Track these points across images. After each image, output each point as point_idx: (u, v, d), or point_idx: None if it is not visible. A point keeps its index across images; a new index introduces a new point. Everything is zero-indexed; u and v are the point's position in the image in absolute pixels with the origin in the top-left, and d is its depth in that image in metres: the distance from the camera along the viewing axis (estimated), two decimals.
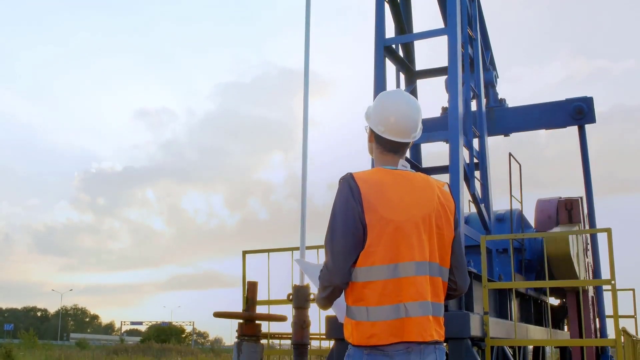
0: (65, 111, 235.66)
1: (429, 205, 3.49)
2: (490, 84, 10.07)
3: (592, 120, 9.46)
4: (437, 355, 3.42)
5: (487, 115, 8.79)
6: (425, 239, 3.41)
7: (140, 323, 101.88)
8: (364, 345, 3.31)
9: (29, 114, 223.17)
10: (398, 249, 3.33)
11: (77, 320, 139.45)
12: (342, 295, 3.54)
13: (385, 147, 3.60)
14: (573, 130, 9.71)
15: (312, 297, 3.81)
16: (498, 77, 10.51)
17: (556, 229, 8.96)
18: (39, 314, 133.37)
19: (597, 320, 9.70)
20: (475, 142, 8.05)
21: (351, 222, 3.33)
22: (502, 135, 9.78)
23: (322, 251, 7.36)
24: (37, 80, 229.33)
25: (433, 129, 8.77)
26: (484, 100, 8.58)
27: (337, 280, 3.34)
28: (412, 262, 3.33)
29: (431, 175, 9.12)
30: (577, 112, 9.40)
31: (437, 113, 10.13)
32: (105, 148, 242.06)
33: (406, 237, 3.35)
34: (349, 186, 3.39)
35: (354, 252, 3.33)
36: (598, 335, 9.38)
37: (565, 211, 9.28)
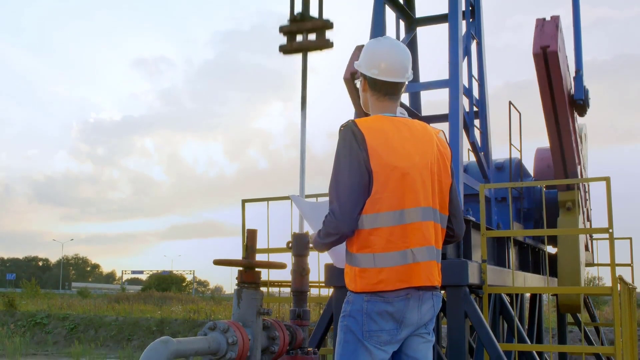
0: (63, 62, 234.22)
1: (430, 153, 3.52)
2: None
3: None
4: (434, 301, 3.49)
5: None
6: (429, 186, 3.43)
7: (141, 272, 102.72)
8: (367, 292, 3.33)
9: (27, 66, 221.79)
10: (404, 196, 3.34)
11: (78, 269, 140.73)
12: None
13: (380, 91, 3.61)
14: None
15: (310, 244, 3.80)
16: None
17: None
18: (40, 263, 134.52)
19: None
20: (475, 90, 7.99)
21: (357, 169, 3.32)
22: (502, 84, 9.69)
23: (321, 199, 7.37)
24: (38, 33, 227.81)
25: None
26: (484, 48, 8.49)
27: (345, 228, 3.32)
28: (418, 207, 3.37)
29: (431, 124, 9.10)
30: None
31: (436, 61, 10.03)
32: (103, 98, 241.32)
33: (411, 184, 3.37)
34: (352, 133, 3.38)
35: (362, 199, 3.33)
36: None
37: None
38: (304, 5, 4.91)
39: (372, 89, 3.63)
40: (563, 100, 8.02)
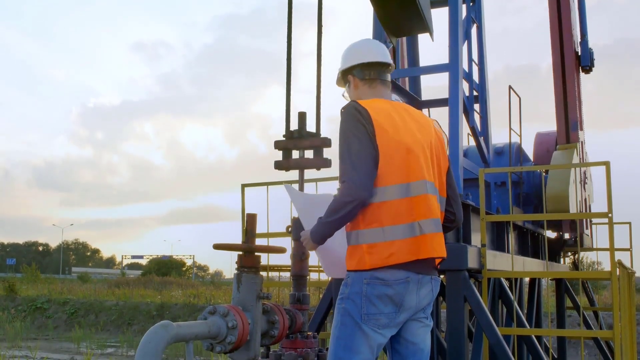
0: (62, 46, 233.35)
1: (429, 133, 3.62)
2: None
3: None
4: (433, 285, 3.53)
5: None
6: (429, 163, 3.51)
7: (141, 257, 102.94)
8: (377, 268, 3.33)
9: (27, 50, 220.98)
10: (409, 169, 3.40)
11: (78, 254, 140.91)
12: (336, 237, 3.56)
13: (371, 77, 3.72)
14: None
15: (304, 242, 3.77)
16: None
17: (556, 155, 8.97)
18: (40, 248, 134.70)
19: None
20: (475, 75, 7.97)
21: (367, 141, 3.37)
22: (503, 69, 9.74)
23: (321, 184, 7.37)
24: (38, 17, 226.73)
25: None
26: (485, 32, 8.45)
27: (364, 193, 3.30)
28: (423, 180, 3.42)
29: (431, 109, 9.08)
30: None
31: (436, 45, 9.99)
32: (102, 82, 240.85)
33: (416, 158, 3.43)
34: (356, 110, 3.43)
35: (375, 169, 3.36)
36: None
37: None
38: (300, 122, 4.79)
39: (362, 80, 3.73)
40: (570, 46, 9.27)
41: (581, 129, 9.80)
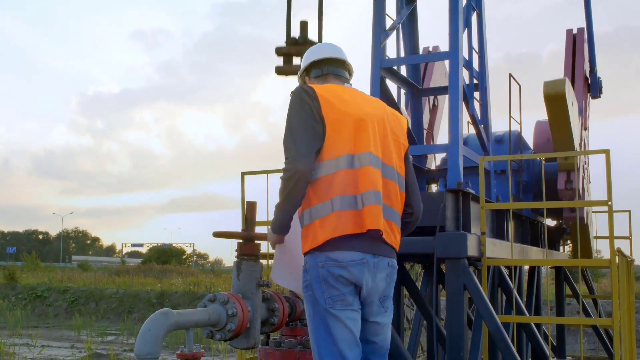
0: (62, 35, 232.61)
1: (382, 110, 3.67)
2: None
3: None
4: (389, 272, 3.52)
5: None
6: (379, 139, 3.54)
7: (141, 245, 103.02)
8: (328, 242, 3.34)
9: (26, 39, 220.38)
10: (356, 141, 3.44)
11: (78, 242, 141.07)
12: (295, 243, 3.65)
13: (324, 71, 3.81)
14: None
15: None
16: None
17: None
18: (40, 236, 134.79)
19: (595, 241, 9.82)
20: (475, 62, 7.95)
21: (309, 115, 3.42)
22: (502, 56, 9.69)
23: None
24: (38, 6, 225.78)
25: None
26: (485, 19, 8.42)
27: (303, 165, 3.32)
28: (368, 152, 3.44)
29: (429, 96, 9.07)
30: None
31: (436, 33, 9.97)
32: (101, 71, 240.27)
33: (363, 130, 3.47)
34: (301, 89, 3.51)
35: (315, 142, 3.40)
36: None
37: None
38: (301, 29, 4.78)
39: (316, 78, 3.84)
40: (581, 73, 9.88)
41: (585, 129, 9.85)
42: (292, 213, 3.50)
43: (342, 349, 3.35)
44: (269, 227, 3.66)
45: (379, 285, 3.46)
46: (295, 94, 3.49)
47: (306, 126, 3.39)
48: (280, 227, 3.59)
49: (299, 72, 3.97)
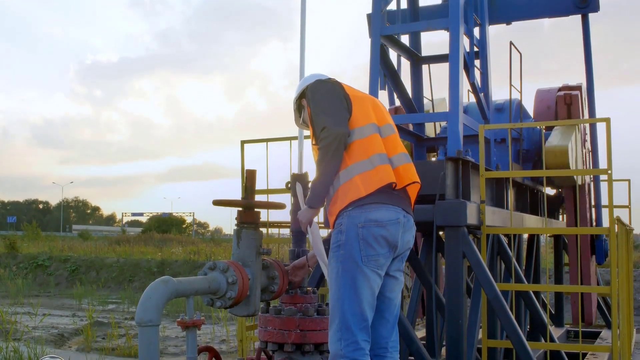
0: (60, 3, 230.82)
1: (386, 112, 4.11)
2: None
3: (595, 9, 9.24)
4: (413, 232, 3.82)
5: (489, 2, 8.55)
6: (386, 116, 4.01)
7: (141, 214, 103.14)
8: (361, 211, 3.56)
9: (24, 7, 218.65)
10: (376, 114, 3.86)
11: (78, 212, 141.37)
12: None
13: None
14: (576, 19, 9.52)
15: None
16: None
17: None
18: (40, 206, 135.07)
19: (592, 210, 9.82)
20: (476, 31, 7.88)
21: (336, 93, 3.79)
22: (504, 24, 9.56)
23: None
24: None
25: (433, 16, 8.58)
26: None
27: (341, 129, 3.60)
28: (389, 124, 3.92)
29: (430, 64, 9.00)
30: (580, 0, 9.16)
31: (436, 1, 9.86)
32: (99, 39, 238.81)
33: (378, 107, 3.94)
34: (319, 79, 3.94)
35: (346, 112, 3.74)
36: (594, 224, 9.52)
37: (565, 106, 9.19)
38: None
39: None
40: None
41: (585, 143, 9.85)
42: (332, 181, 3.68)
43: (365, 309, 3.55)
44: (305, 204, 3.85)
45: (405, 246, 3.73)
46: (316, 83, 3.88)
47: (334, 100, 3.72)
48: (321, 199, 3.76)
49: (293, 101, 4.19)
